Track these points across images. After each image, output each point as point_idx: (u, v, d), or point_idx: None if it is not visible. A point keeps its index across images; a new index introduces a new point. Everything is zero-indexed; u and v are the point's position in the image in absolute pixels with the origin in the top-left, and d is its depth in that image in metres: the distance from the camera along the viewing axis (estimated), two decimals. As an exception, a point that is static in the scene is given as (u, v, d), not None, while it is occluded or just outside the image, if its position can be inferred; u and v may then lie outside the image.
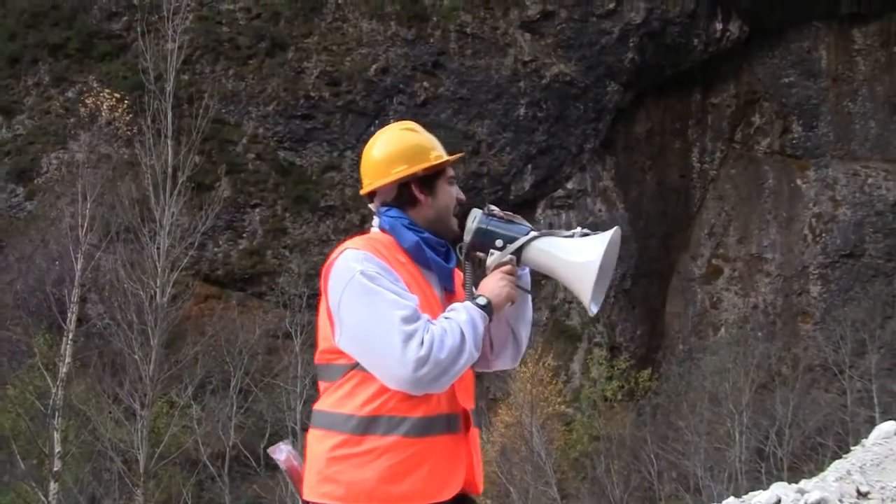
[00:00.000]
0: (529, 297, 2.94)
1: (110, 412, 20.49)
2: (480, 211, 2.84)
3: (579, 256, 2.74)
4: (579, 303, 2.80)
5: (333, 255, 2.74)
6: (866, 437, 8.73)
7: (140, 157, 20.91)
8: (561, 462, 27.32)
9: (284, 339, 24.91)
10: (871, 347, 29.68)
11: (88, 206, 20.44)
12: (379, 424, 2.60)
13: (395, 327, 2.54)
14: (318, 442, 2.68)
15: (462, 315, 2.64)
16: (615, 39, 34.70)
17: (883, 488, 7.13)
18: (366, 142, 3.00)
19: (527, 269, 2.88)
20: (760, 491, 7.71)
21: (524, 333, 2.96)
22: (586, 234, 2.80)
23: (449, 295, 2.83)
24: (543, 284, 30.60)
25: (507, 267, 2.78)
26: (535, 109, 34.16)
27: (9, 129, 31.98)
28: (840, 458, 8.63)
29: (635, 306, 35.36)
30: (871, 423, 20.64)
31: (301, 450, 2.82)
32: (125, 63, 31.15)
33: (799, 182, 37.34)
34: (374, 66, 33.09)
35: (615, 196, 36.02)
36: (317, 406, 2.74)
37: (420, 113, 32.76)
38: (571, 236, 2.80)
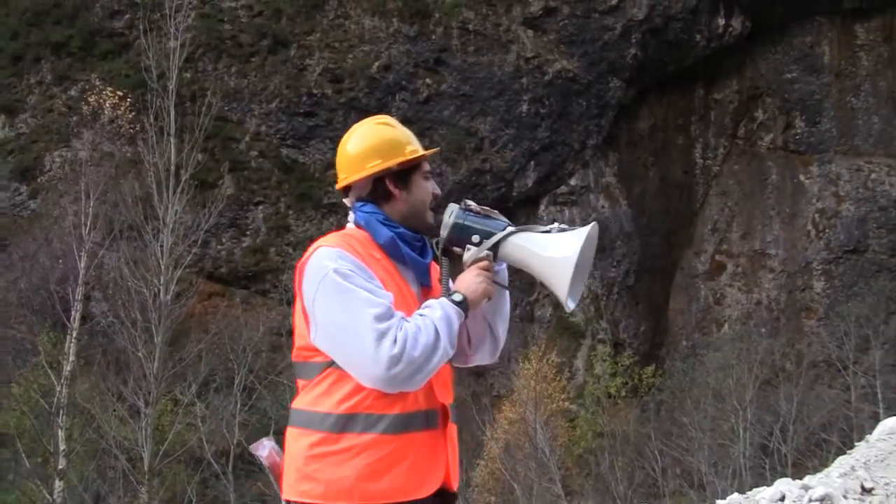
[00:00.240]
0: (507, 292, 2.92)
1: (114, 410, 20.50)
2: (457, 206, 2.81)
3: (556, 252, 2.72)
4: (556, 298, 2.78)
5: (307, 252, 2.74)
6: (870, 433, 8.72)
7: (143, 155, 20.89)
8: (565, 458, 27.30)
9: (288, 336, 24.78)
10: (874, 343, 29.65)
11: (92, 204, 20.43)
12: (356, 422, 2.59)
13: (368, 326, 2.53)
14: (296, 440, 2.67)
15: (437, 312, 2.63)
16: (617, 35, 34.68)
17: (887, 484, 7.12)
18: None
19: (504, 265, 2.86)
20: (764, 487, 7.70)
21: (501, 329, 2.94)
22: (564, 230, 2.77)
23: (426, 290, 2.81)
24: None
25: (484, 263, 2.76)
26: (537, 106, 34.14)
27: (12, 128, 32.00)
28: (844, 454, 8.62)
29: (639, 303, 35.34)
30: (875, 419, 20.63)
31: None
32: (127, 61, 31.15)
33: (802, 178, 37.30)
34: (376, 63, 33.09)
35: (618, 192, 36.00)
36: (294, 404, 2.74)
37: (422, 110, 32.78)
38: (549, 232, 2.77)
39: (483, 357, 2.96)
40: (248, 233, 31.86)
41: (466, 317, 2.71)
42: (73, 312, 20.04)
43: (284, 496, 2.67)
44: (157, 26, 23.45)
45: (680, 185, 37.84)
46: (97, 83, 27.23)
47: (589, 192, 35.44)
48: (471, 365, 3.00)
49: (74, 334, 19.81)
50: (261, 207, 32.06)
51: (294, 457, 2.66)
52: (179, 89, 21.65)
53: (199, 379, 21.86)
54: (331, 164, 32.03)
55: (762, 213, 37.36)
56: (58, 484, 18.70)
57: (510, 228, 2.77)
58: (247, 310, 28.09)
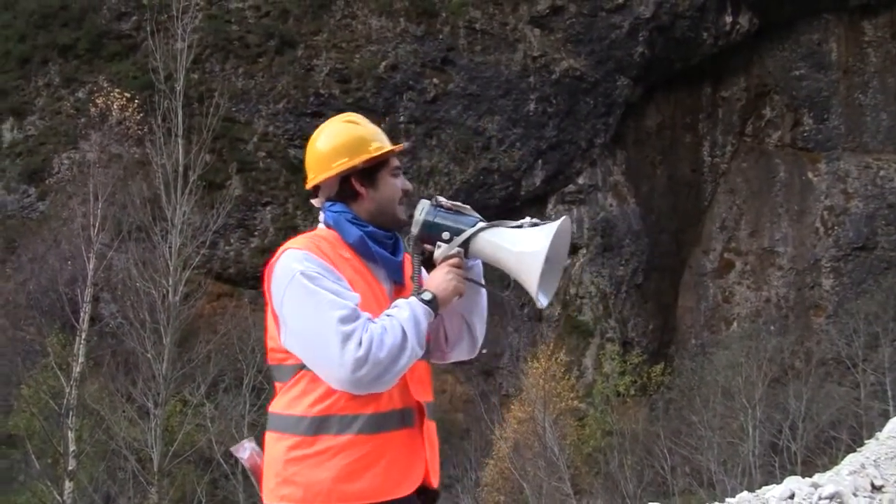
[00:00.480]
0: (483, 288, 2.88)
1: (124, 411, 20.54)
2: (428, 202, 2.78)
3: (525, 246, 2.68)
4: (530, 296, 2.75)
5: (275, 255, 2.72)
6: (880, 431, 8.71)
7: (151, 157, 20.91)
8: (574, 457, 27.28)
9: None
10: (884, 340, 29.57)
11: (100, 205, 20.50)
12: (331, 424, 2.58)
13: (333, 328, 2.51)
14: (275, 444, 2.66)
15: (404, 312, 2.60)
16: (625, 34, 34.65)
17: (898, 482, 7.10)
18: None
19: (478, 261, 2.82)
20: (774, 485, 7.69)
21: (479, 325, 2.91)
22: (536, 224, 2.73)
23: (398, 287, 2.78)
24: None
25: (455, 260, 2.73)
26: (544, 105, 34.13)
27: (20, 130, 32.11)
28: (854, 451, 8.61)
29: (647, 301, 35.30)
30: (885, 417, 20.62)
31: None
32: (135, 63, 31.23)
33: (810, 175, 37.22)
34: (383, 63, 33.11)
35: (626, 191, 35.97)
36: (271, 408, 2.72)
37: (430, 109, 32.79)
38: (520, 227, 2.74)
39: (461, 354, 2.94)
40: (256, 233, 31.92)
41: (437, 315, 2.69)
42: (82, 314, 20.09)
43: (265, 501, 2.66)
44: (165, 28, 23.47)
45: (688, 183, 37.79)
46: (105, 85, 27.30)
47: (597, 191, 35.42)
48: (448, 362, 2.98)
49: (83, 336, 19.86)
50: (269, 208, 32.12)
51: (273, 461, 2.66)
52: (187, 90, 21.66)
53: (208, 379, 21.89)
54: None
55: (770, 210, 37.29)
56: (68, 485, 18.75)
57: (480, 224, 2.74)
58: (255, 310, 28.07)
